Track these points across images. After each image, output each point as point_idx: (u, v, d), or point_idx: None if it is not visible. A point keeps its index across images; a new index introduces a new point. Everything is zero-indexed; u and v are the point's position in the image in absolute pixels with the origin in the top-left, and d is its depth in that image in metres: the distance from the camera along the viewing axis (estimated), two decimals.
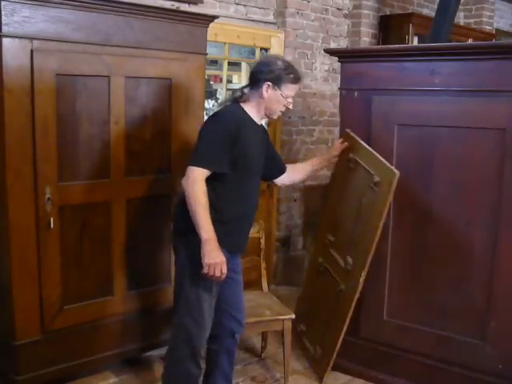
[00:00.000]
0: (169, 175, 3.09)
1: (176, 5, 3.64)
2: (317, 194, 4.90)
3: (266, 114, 2.54)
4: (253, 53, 4.67)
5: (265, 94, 2.46)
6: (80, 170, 2.78)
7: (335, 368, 3.21)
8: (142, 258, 3.09)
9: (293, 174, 2.92)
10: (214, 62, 5.26)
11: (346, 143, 3.00)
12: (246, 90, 2.53)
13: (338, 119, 4.69)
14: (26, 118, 2.56)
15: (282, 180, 2.89)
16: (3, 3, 2.42)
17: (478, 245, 2.74)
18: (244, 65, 5.36)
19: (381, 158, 2.78)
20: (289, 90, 2.50)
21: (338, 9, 4.94)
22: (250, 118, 2.50)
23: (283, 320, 3.01)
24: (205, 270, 2.27)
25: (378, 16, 5.16)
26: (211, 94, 6.49)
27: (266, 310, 3.06)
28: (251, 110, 2.51)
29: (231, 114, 2.44)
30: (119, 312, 3.02)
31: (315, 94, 4.82)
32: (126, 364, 3.15)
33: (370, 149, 2.89)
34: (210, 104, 6.49)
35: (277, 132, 4.61)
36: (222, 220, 2.38)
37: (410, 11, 5.59)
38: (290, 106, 2.55)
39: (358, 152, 2.93)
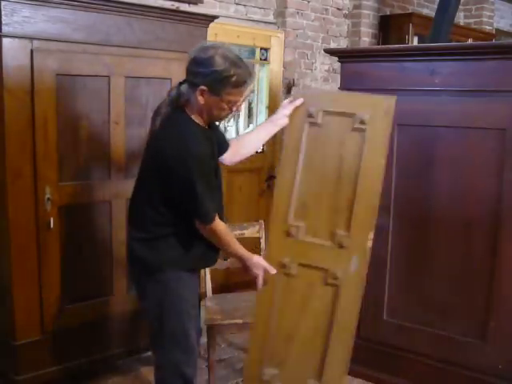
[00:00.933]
0: None
1: (176, 5, 3.65)
2: None
3: (212, 119, 2.16)
4: (253, 53, 4.67)
5: (200, 99, 2.04)
6: (80, 170, 2.78)
7: None
8: None
9: (240, 148, 2.46)
10: None
11: (300, 100, 2.43)
12: (183, 89, 2.11)
13: None
14: (25, 118, 2.56)
15: (229, 158, 2.43)
16: (3, 3, 2.42)
17: (478, 245, 2.74)
18: None
19: (361, 94, 2.45)
20: (232, 95, 2.04)
21: (338, 9, 4.94)
22: (201, 128, 2.12)
23: None
24: (261, 284, 2.28)
25: (378, 16, 5.16)
26: None
27: None
28: (196, 116, 2.11)
29: (196, 147, 2.04)
30: (119, 312, 3.02)
31: None
32: (126, 364, 3.15)
33: (344, 91, 2.64)
34: None
35: (277, 132, 4.61)
36: (186, 236, 2.16)
37: (410, 11, 5.59)
38: (238, 111, 2.16)
39: (323, 101, 2.43)
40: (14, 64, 2.50)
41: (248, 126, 5.78)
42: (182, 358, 2.23)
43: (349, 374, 3.17)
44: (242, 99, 2.09)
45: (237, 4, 4.19)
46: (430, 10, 5.90)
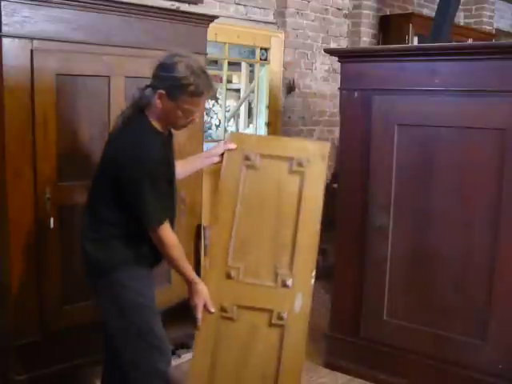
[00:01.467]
0: None
1: (176, 5, 3.64)
2: None
3: (169, 126, 2.17)
4: (253, 53, 4.67)
5: (157, 103, 2.05)
6: (80, 170, 2.78)
7: (335, 368, 3.22)
8: None
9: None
10: (214, 62, 5.26)
11: (233, 144, 2.48)
12: (147, 93, 2.09)
13: (338, 119, 4.69)
14: (25, 118, 2.56)
15: None
16: (3, 3, 2.42)
17: (478, 245, 2.74)
18: (244, 65, 5.38)
19: (297, 139, 2.54)
20: (188, 104, 2.05)
21: (338, 9, 4.95)
22: (159, 133, 2.12)
23: None
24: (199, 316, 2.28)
25: (377, 16, 5.17)
26: None
27: None
28: (156, 120, 2.11)
29: (148, 150, 2.03)
30: None
31: (315, 94, 4.83)
32: None
33: (279, 136, 2.73)
34: (210, 104, 6.50)
35: (277, 132, 4.61)
36: (139, 236, 2.15)
37: (410, 11, 5.59)
38: (193, 122, 2.16)
39: (260, 145, 2.50)
40: (13, 64, 2.50)
41: (248, 126, 5.79)
42: (152, 355, 2.18)
43: (349, 374, 3.19)
44: (197, 110, 2.11)
45: (237, 4, 4.19)
46: (429, 10, 5.90)
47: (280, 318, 2.29)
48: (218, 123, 6.41)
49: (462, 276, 2.79)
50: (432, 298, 2.88)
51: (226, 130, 4.94)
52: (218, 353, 2.34)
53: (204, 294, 2.27)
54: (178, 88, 2.02)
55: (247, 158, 2.44)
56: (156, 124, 2.11)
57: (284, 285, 2.31)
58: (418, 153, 2.87)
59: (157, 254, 2.22)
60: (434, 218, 2.85)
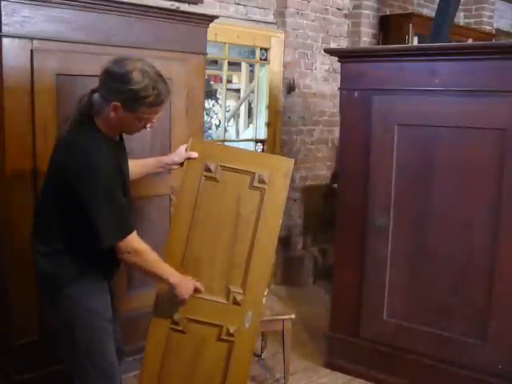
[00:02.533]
0: (169, 175, 3.08)
1: (176, 5, 3.64)
2: (317, 194, 4.91)
3: (122, 132, 2.06)
4: (253, 53, 4.67)
5: (112, 115, 1.91)
6: None
7: (335, 368, 3.22)
8: None
9: None
10: (214, 62, 5.26)
11: (195, 153, 2.34)
12: (95, 99, 1.96)
13: (337, 119, 4.70)
14: (26, 118, 2.56)
15: None
16: (3, 3, 2.42)
17: (477, 245, 2.74)
18: (244, 65, 5.38)
19: (261, 154, 2.46)
20: (147, 113, 1.95)
21: (338, 9, 4.94)
22: (109, 140, 1.98)
23: (283, 320, 3.01)
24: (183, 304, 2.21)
25: (377, 16, 5.16)
26: (211, 94, 6.51)
27: (266, 309, 3.05)
28: (105, 127, 1.97)
29: (98, 161, 1.89)
30: (119, 312, 3.01)
31: (315, 94, 4.82)
32: (126, 364, 3.15)
33: (242, 149, 2.65)
34: (210, 104, 6.51)
35: (277, 132, 4.61)
36: (92, 249, 1.98)
37: (410, 11, 5.59)
38: (151, 127, 2.03)
39: (222, 156, 2.37)
40: (13, 64, 2.50)
41: (248, 126, 5.79)
42: (97, 378, 2.07)
43: (349, 374, 3.19)
44: (156, 116, 2.00)
45: (237, 4, 4.19)
46: (429, 10, 5.90)
47: (229, 334, 2.31)
48: (218, 123, 6.42)
49: (462, 276, 2.79)
50: (432, 298, 2.88)
51: (226, 130, 4.94)
52: (168, 364, 2.36)
53: (190, 285, 2.20)
54: (137, 101, 1.88)
55: (207, 169, 2.33)
56: (106, 130, 1.98)
57: (235, 302, 2.31)
58: (417, 153, 2.87)
59: (111, 266, 2.11)
60: (433, 218, 2.85)
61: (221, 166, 2.34)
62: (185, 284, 2.18)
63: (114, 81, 1.89)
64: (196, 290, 2.23)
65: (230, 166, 2.34)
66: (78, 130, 1.96)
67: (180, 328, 2.34)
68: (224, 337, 2.32)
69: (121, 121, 1.95)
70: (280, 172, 2.34)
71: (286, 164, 2.37)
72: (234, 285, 2.32)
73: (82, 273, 2.02)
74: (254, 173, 2.32)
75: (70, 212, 1.95)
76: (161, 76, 1.95)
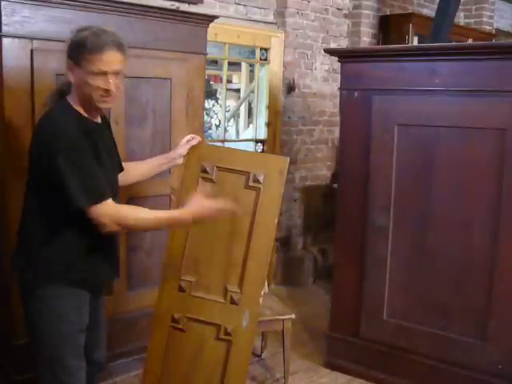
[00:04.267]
0: (169, 175, 3.09)
1: (176, 5, 3.64)
2: (317, 194, 4.91)
3: (89, 104, 1.92)
4: (253, 53, 4.67)
5: (70, 77, 1.87)
6: None
7: (335, 368, 3.22)
8: (142, 258, 3.08)
9: (130, 173, 2.30)
10: (214, 62, 5.27)
11: (196, 139, 2.41)
12: (66, 77, 1.92)
13: (338, 119, 4.70)
14: (26, 118, 2.56)
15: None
16: (3, 3, 2.42)
17: (477, 245, 2.74)
18: (244, 65, 5.38)
19: (256, 153, 2.45)
20: (92, 63, 1.82)
21: (338, 9, 4.94)
22: (84, 118, 1.92)
23: (283, 320, 3.01)
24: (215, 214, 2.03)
25: (377, 16, 5.16)
26: (211, 94, 6.51)
27: (266, 309, 3.06)
28: (78, 102, 1.91)
29: (62, 125, 1.84)
30: (119, 312, 3.02)
31: (315, 94, 4.82)
32: (126, 364, 3.15)
33: (237, 149, 2.68)
34: (209, 104, 6.51)
35: (277, 132, 4.61)
36: (74, 248, 1.91)
37: (410, 11, 5.59)
38: (108, 86, 1.87)
39: (218, 157, 2.42)
40: (14, 64, 2.50)
41: (248, 126, 5.79)
42: None
43: (349, 374, 3.19)
44: (105, 70, 1.85)
45: (237, 4, 4.19)
46: (429, 10, 5.90)
47: (227, 333, 2.34)
48: (218, 123, 6.42)
49: (462, 276, 2.79)
50: (432, 298, 2.88)
51: (226, 130, 4.95)
52: (169, 362, 2.40)
53: (204, 203, 2.02)
54: (76, 48, 1.83)
55: (204, 171, 2.39)
56: (79, 108, 1.92)
57: (232, 301, 2.34)
58: (417, 153, 2.87)
59: (96, 268, 2.00)
60: (433, 218, 2.85)
61: (217, 166, 2.38)
62: (200, 211, 2.00)
63: (67, 41, 1.88)
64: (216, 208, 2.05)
65: (226, 167, 2.38)
66: (49, 109, 1.93)
67: (180, 326, 2.38)
68: (222, 336, 2.34)
69: (78, 82, 1.87)
70: (275, 171, 2.35)
71: (281, 162, 2.38)
72: (232, 284, 2.34)
73: (61, 273, 1.91)
74: (248, 172, 2.35)
75: (51, 198, 1.87)
76: (106, 31, 1.89)
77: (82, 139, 1.84)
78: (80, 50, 1.82)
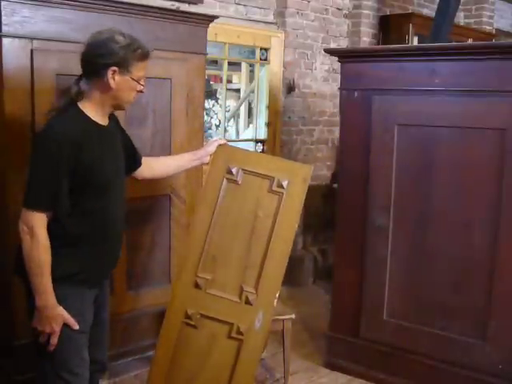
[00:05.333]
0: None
1: (176, 5, 3.65)
2: (317, 194, 4.91)
3: (113, 107, 2.02)
4: (253, 53, 4.68)
5: (112, 83, 1.91)
6: None
7: (335, 368, 3.22)
8: (142, 258, 3.08)
9: (155, 168, 2.40)
10: (214, 62, 5.27)
11: (223, 140, 2.54)
12: (82, 84, 1.96)
13: (337, 119, 4.70)
14: (26, 118, 2.56)
15: (141, 173, 2.35)
16: (3, 3, 2.43)
17: (477, 245, 2.74)
18: (244, 65, 5.38)
19: (281, 159, 2.56)
20: (139, 69, 1.96)
21: (338, 9, 4.95)
22: (92, 122, 1.96)
23: (283, 320, 3.01)
24: (42, 339, 1.92)
25: (377, 16, 5.16)
26: (211, 94, 6.51)
27: None
28: (92, 109, 1.96)
29: (62, 134, 1.84)
30: (119, 312, 3.02)
31: (315, 94, 4.83)
32: (126, 364, 3.15)
33: (264, 154, 2.75)
34: (209, 104, 6.51)
35: (277, 132, 4.61)
36: (78, 250, 1.96)
37: (410, 11, 5.59)
38: (144, 90, 2.04)
39: (244, 160, 2.48)
40: (14, 64, 2.50)
41: (248, 126, 5.79)
42: None
43: (349, 374, 3.19)
44: (144, 75, 2.01)
45: (237, 4, 4.19)
46: (429, 10, 5.90)
47: (239, 332, 2.35)
48: (218, 123, 6.42)
49: (461, 276, 2.79)
50: (432, 298, 2.88)
51: (226, 130, 4.95)
52: (178, 357, 2.41)
53: (58, 319, 1.91)
54: (129, 55, 1.90)
55: (229, 172, 2.44)
56: (93, 112, 1.96)
57: (247, 301, 2.36)
58: (417, 153, 2.87)
59: (105, 264, 2.06)
60: (433, 218, 2.85)
61: (242, 169, 2.44)
62: (51, 313, 1.89)
63: (101, 48, 1.89)
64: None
65: (251, 170, 2.44)
66: (56, 115, 1.93)
67: (192, 323, 2.40)
68: (234, 335, 2.36)
69: (119, 89, 1.93)
70: (299, 178, 2.40)
71: (306, 170, 2.44)
72: (248, 284, 2.37)
73: (65, 273, 1.93)
74: (273, 177, 2.41)
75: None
76: (134, 36, 1.98)
77: (67, 152, 1.83)
78: (133, 56, 1.92)
